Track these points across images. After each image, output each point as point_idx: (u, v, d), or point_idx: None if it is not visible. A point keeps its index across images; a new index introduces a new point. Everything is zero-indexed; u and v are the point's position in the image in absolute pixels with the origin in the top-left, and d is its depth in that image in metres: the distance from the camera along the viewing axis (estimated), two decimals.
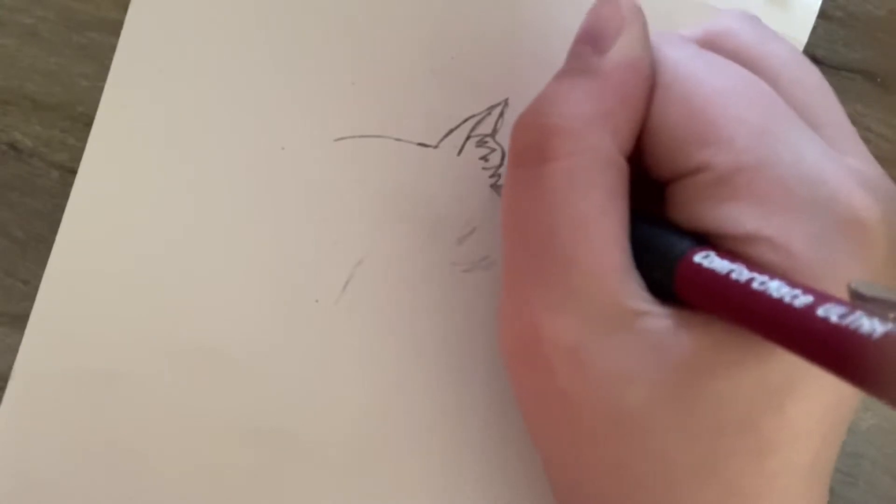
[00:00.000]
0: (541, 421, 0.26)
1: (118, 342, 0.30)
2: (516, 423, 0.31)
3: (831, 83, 0.29)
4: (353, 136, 0.30)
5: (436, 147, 0.31)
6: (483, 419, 0.31)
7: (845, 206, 0.22)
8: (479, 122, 0.31)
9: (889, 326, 0.17)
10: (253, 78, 0.30)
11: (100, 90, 0.30)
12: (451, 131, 0.31)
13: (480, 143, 0.31)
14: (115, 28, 0.30)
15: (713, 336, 0.22)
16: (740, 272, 0.21)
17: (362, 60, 0.30)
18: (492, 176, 0.31)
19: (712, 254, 0.22)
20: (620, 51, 0.25)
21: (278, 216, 0.30)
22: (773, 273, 0.21)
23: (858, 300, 0.20)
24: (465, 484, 0.31)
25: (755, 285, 0.20)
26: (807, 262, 0.22)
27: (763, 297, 0.20)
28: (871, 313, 0.18)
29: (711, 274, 0.22)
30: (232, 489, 0.31)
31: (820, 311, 0.19)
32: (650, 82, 0.25)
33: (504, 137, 0.31)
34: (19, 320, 0.30)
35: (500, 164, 0.31)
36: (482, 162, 0.31)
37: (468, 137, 0.31)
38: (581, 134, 0.24)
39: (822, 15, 0.32)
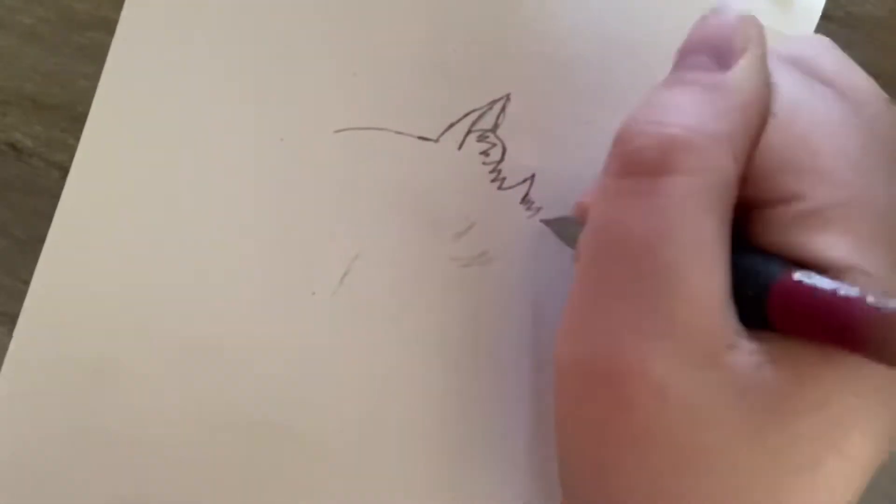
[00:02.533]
0: (589, 446, 0.24)
1: (113, 336, 0.30)
2: (513, 417, 0.31)
3: None
4: (354, 129, 0.30)
5: (436, 141, 0.31)
6: (480, 414, 0.31)
7: None
8: (480, 117, 0.31)
9: None
10: (252, 68, 0.30)
11: None
12: (451, 125, 0.31)
13: (481, 138, 0.31)
14: (115, 28, 0.30)
15: (801, 374, 0.22)
16: (848, 288, 0.20)
17: (364, 52, 0.30)
18: (492, 171, 0.31)
19: (812, 273, 0.21)
20: (746, 71, 0.24)
21: (276, 208, 0.30)
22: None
23: None
24: (462, 477, 0.31)
25: (869, 299, 0.20)
26: None
27: (877, 312, 0.19)
28: None
29: (814, 290, 0.21)
30: (226, 482, 0.31)
31: None
32: (769, 106, 0.24)
33: (505, 133, 0.31)
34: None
35: (501, 160, 0.31)
36: (483, 157, 0.31)
37: (469, 132, 0.31)
38: (707, 151, 0.22)
39: (823, 15, 0.32)
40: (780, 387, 0.21)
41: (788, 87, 0.25)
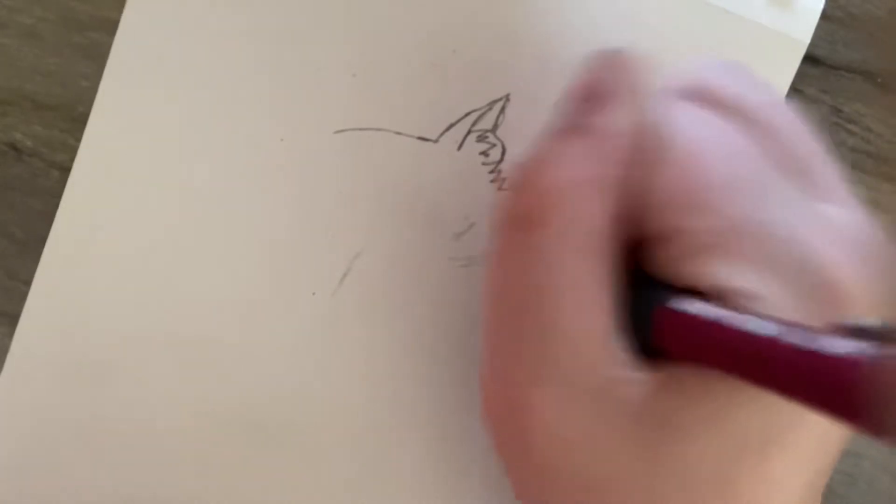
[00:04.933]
0: (520, 485, 0.26)
1: (113, 336, 0.30)
2: None
3: (831, 83, 0.29)
4: (353, 129, 0.30)
5: (436, 141, 0.31)
6: (479, 413, 0.31)
7: (824, 268, 0.22)
8: (479, 117, 0.31)
9: (858, 346, 0.17)
10: (253, 69, 0.30)
11: None
12: (451, 126, 0.31)
13: (481, 139, 0.31)
14: (115, 28, 0.30)
15: (687, 394, 0.22)
16: (713, 311, 0.21)
17: (363, 53, 0.30)
18: (492, 172, 0.31)
19: (687, 300, 0.22)
20: (615, 112, 0.25)
21: (276, 208, 0.30)
22: (752, 311, 0.21)
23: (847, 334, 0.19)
24: (461, 477, 0.31)
25: (727, 321, 0.20)
26: (788, 318, 0.21)
27: (734, 331, 0.20)
28: (844, 337, 0.18)
29: (692, 317, 0.22)
30: (227, 481, 0.31)
31: (788, 338, 0.18)
32: (644, 144, 0.25)
33: (505, 133, 0.31)
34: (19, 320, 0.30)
35: (501, 160, 0.31)
36: (482, 157, 0.31)
37: (469, 132, 0.31)
38: (575, 200, 0.24)
39: (822, 15, 0.32)
40: (672, 410, 0.22)
41: (673, 120, 0.25)
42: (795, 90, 0.34)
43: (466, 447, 0.31)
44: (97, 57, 0.30)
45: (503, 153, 0.31)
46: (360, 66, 0.30)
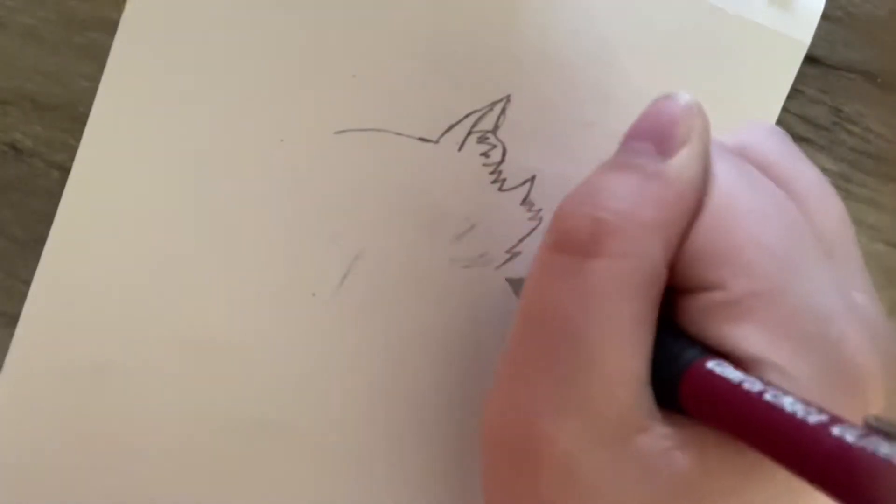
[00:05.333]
0: None
1: (113, 336, 0.30)
2: None
3: (831, 83, 0.29)
4: (354, 130, 0.30)
5: (436, 142, 0.31)
6: (479, 414, 0.31)
7: (850, 351, 0.22)
8: (480, 118, 0.31)
9: None
10: (253, 69, 0.30)
11: None
12: (452, 126, 0.31)
13: (482, 140, 0.31)
14: (115, 28, 0.30)
15: (708, 462, 0.22)
16: (753, 382, 0.21)
17: (364, 53, 0.30)
18: (492, 173, 0.31)
19: (726, 363, 0.22)
20: (687, 161, 0.24)
21: (276, 209, 0.30)
22: (791, 391, 0.20)
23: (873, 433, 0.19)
24: (462, 478, 0.31)
25: (768, 397, 0.20)
26: (811, 396, 0.21)
27: (775, 410, 0.20)
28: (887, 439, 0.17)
29: (721, 381, 0.21)
30: (227, 483, 0.31)
31: (835, 430, 0.18)
32: (703, 197, 0.25)
33: (506, 134, 0.31)
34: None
35: (501, 161, 0.31)
36: (483, 158, 0.31)
37: (469, 133, 0.31)
38: (637, 238, 0.23)
39: (822, 15, 0.32)
40: (687, 473, 0.22)
41: (723, 177, 0.25)
42: (795, 90, 0.34)
43: (467, 448, 0.31)
44: (97, 57, 0.30)
45: (504, 154, 0.31)
46: (360, 67, 0.30)
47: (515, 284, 0.31)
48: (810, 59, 0.33)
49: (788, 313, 0.23)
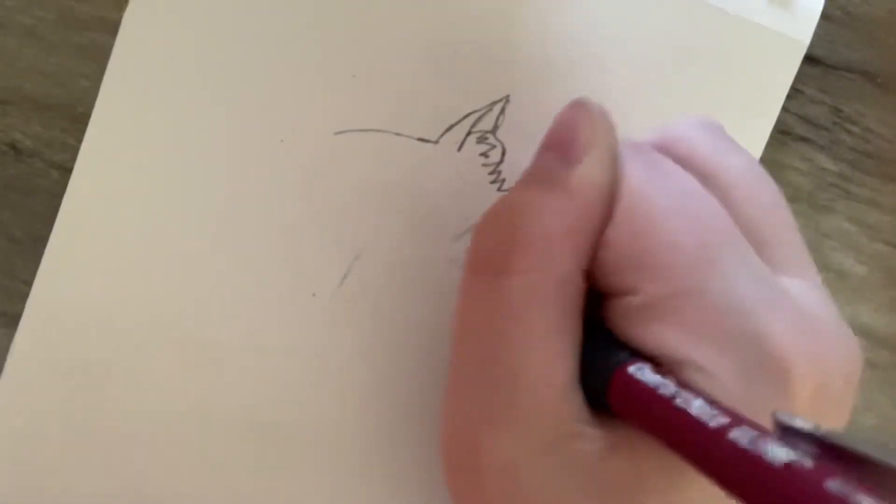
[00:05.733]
0: None
1: (114, 337, 0.30)
2: None
3: (831, 83, 0.29)
4: (354, 130, 0.30)
5: (436, 142, 0.31)
6: None
7: (770, 344, 0.22)
8: (479, 118, 0.31)
9: (794, 456, 0.17)
10: (253, 70, 0.30)
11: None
12: (451, 127, 0.31)
13: (481, 140, 0.31)
14: (115, 28, 0.30)
15: (639, 462, 0.23)
16: (667, 387, 0.21)
17: (363, 53, 0.30)
18: (491, 173, 0.31)
19: (646, 367, 0.22)
20: (590, 167, 0.25)
21: (276, 209, 0.30)
22: (702, 393, 0.21)
23: (781, 430, 0.19)
24: None
25: (677, 401, 0.21)
26: (733, 393, 0.22)
27: (682, 414, 0.20)
28: (784, 443, 0.18)
29: (641, 386, 0.22)
30: (228, 483, 0.31)
31: (731, 434, 0.19)
32: (613, 199, 0.25)
33: (505, 134, 0.31)
34: (19, 321, 0.30)
35: (501, 161, 0.31)
36: (482, 158, 0.31)
37: (469, 133, 0.31)
38: (543, 251, 0.24)
39: (822, 15, 0.32)
40: (623, 473, 0.22)
41: (632, 177, 0.25)
42: (795, 90, 0.34)
43: None
44: (97, 57, 0.30)
45: (503, 154, 0.31)
46: (360, 67, 0.30)
47: None
48: (810, 59, 0.33)
49: (706, 311, 0.23)
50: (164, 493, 0.31)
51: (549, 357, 0.23)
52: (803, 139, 0.34)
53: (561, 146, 0.25)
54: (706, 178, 0.26)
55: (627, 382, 0.22)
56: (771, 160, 0.33)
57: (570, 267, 0.24)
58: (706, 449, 0.19)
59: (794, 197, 0.34)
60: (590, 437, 0.23)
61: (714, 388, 0.22)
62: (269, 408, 0.31)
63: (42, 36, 0.31)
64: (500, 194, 0.30)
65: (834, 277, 0.35)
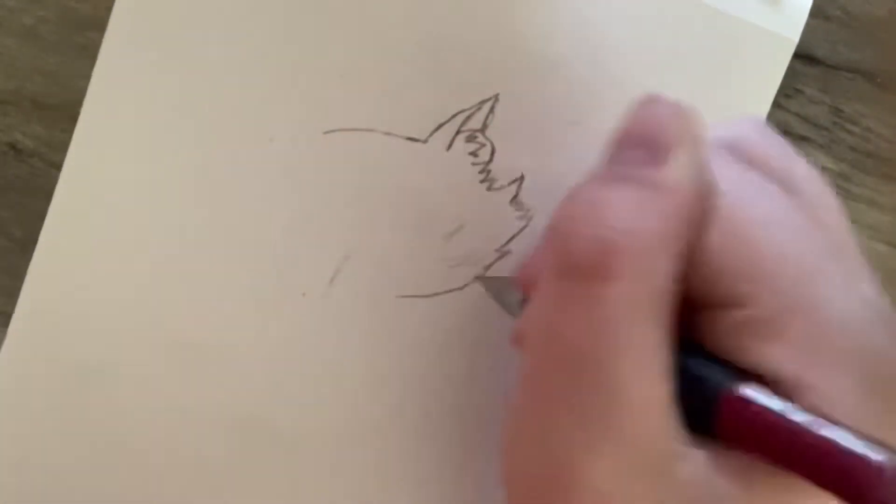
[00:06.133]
0: None
1: (103, 337, 0.30)
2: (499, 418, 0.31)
3: (831, 83, 0.29)
4: (343, 130, 0.30)
5: (425, 142, 0.30)
6: (468, 414, 0.31)
7: (883, 360, 0.21)
8: (469, 117, 0.30)
9: None
10: (241, 69, 0.30)
11: None
12: (440, 126, 0.30)
13: (470, 139, 0.31)
14: None
15: (747, 484, 0.21)
16: (797, 412, 0.20)
17: (352, 52, 0.30)
18: (481, 172, 0.31)
19: (762, 389, 0.21)
20: (683, 167, 0.23)
21: (265, 209, 0.30)
22: (835, 420, 0.20)
23: None
24: (450, 478, 0.31)
25: (821, 431, 0.19)
26: (852, 414, 0.20)
27: (823, 443, 0.19)
28: None
29: (762, 411, 0.21)
30: (219, 482, 0.31)
31: (877, 463, 0.18)
32: (710, 204, 0.23)
33: (494, 133, 0.31)
34: None
35: (490, 160, 0.31)
36: (471, 157, 0.31)
37: (458, 132, 0.30)
38: (645, 256, 0.21)
39: (823, 15, 0.32)
40: (731, 496, 0.21)
41: (729, 183, 0.24)
42: (795, 90, 0.33)
43: (457, 448, 0.31)
44: (97, 57, 0.30)
45: (492, 153, 0.31)
46: (348, 67, 0.30)
47: (488, 283, 0.31)
48: (810, 59, 0.33)
49: (819, 328, 0.22)
50: (154, 491, 0.31)
51: (653, 375, 0.21)
52: (803, 139, 0.34)
53: (648, 143, 0.23)
54: (780, 184, 0.24)
55: (744, 406, 0.21)
56: None
57: (671, 272, 0.22)
58: (856, 480, 0.18)
59: None
60: (696, 460, 0.21)
61: (831, 409, 0.20)
62: (258, 407, 0.31)
63: (42, 36, 0.31)
64: (490, 193, 0.31)
65: None
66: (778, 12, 0.31)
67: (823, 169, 0.34)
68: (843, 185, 0.34)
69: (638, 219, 0.22)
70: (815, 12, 0.33)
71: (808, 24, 0.33)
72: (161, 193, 0.30)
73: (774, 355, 0.21)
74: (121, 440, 0.31)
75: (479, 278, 0.31)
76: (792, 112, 0.34)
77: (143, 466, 0.31)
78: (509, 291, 0.30)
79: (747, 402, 0.21)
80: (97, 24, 0.31)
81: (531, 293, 0.24)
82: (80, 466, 0.30)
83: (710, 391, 0.22)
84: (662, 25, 0.30)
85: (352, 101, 0.30)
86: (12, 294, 0.31)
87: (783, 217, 0.23)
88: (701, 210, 0.23)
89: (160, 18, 0.30)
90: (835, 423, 0.19)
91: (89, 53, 0.31)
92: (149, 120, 0.30)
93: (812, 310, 0.22)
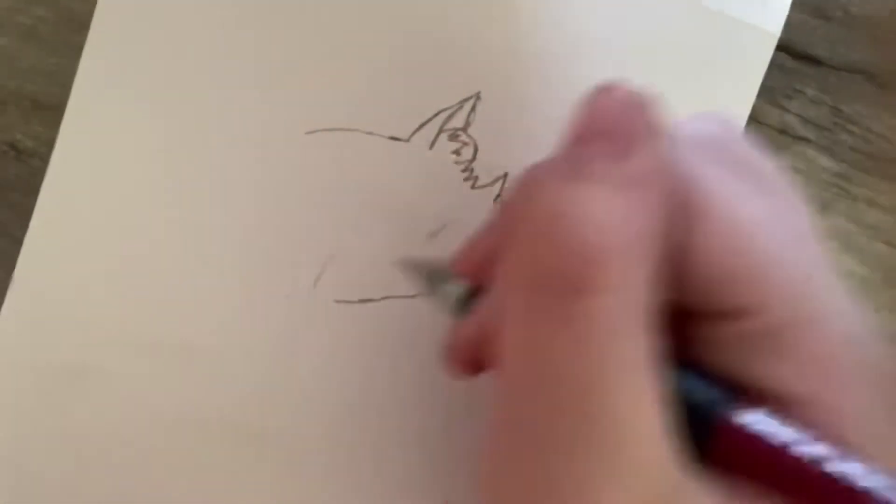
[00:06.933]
0: None
1: (89, 337, 0.30)
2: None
3: (831, 83, 0.29)
4: (325, 130, 0.30)
5: (407, 141, 0.30)
6: (453, 414, 0.31)
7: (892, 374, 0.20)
8: (451, 116, 0.30)
9: None
10: (224, 71, 0.30)
11: None
12: (422, 125, 0.30)
13: (453, 137, 0.31)
14: None
15: None
16: (805, 442, 0.19)
17: (333, 53, 0.30)
18: (464, 170, 0.31)
19: (765, 415, 0.19)
20: (652, 158, 0.20)
21: (249, 210, 0.30)
22: (831, 440, 0.19)
23: None
24: (439, 478, 0.31)
25: (831, 468, 0.18)
26: (862, 432, 0.19)
27: (840, 482, 0.18)
28: None
29: (766, 440, 0.19)
30: (204, 483, 0.31)
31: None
32: (687, 199, 0.21)
33: (476, 131, 0.31)
34: None
35: (473, 159, 0.31)
36: (454, 156, 0.31)
37: (440, 131, 0.30)
38: (625, 262, 0.19)
39: (823, 15, 0.32)
40: None
41: (709, 179, 0.21)
42: (795, 90, 0.33)
43: (446, 447, 0.31)
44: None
45: (475, 152, 0.31)
46: (330, 66, 0.30)
47: (420, 270, 0.28)
48: (810, 59, 0.33)
49: (830, 341, 0.20)
50: (140, 493, 0.31)
51: (647, 397, 0.19)
52: (803, 139, 0.34)
53: (609, 136, 0.21)
54: (752, 183, 0.22)
55: (746, 434, 0.19)
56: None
57: (650, 280, 0.19)
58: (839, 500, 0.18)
59: None
60: (700, 493, 0.19)
61: (840, 428, 0.19)
62: (243, 408, 0.31)
63: (42, 36, 0.31)
64: (474, 192, 0.30)
65: None
66: (759, 6, 0.31)
67: (823, 169, 0.34)
68: (843, 185, 0.34)
69: (614, 221, 0.19)
70: (816, 13, 0.33)
71: (808, 25, 0.33)
72: (144, 196, 0.30)
73: (784, 371, 0.20)
74: (105, 441, 0.31)
75: (398, 262, 0.30)
76: (792, 112, 0.34)
77: (128, 467, 0.31)
78: (445, 280, 0.27)
79: (748, 430, 0.19)
80: None
81: (480, 286, 0.23)
82: (64, 468, 0.31)
83: (705, 418, 0.20)
84: (644, 21, 0.30)
85: (333, 101, 0.30)
86: None
87: (774, 219, 0.21)
88: (678, 205, 0.21)
89: (143, 19, 0.30)
90: (851, 452, 0.18)
91: None
92: (130, 122, 0.30)
93: (821, 321, 0.20)
